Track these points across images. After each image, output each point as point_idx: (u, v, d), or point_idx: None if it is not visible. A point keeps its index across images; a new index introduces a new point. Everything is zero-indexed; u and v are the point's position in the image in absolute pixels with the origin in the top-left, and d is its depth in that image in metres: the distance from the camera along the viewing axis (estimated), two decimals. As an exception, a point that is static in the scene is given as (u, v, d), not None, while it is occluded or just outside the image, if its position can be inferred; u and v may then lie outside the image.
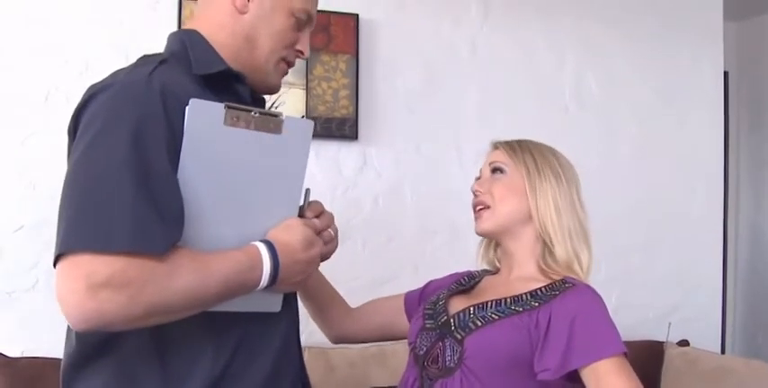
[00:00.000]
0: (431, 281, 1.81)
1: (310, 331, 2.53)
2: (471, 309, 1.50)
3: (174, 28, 2.60)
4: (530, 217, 1.56)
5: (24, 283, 2.44)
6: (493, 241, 1.70)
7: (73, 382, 1.26)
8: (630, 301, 3.24)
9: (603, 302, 1.48)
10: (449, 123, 3.03)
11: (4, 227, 2.45)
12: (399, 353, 2.57)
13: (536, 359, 1.41)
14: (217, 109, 1.17)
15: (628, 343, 3.15)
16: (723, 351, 3.78)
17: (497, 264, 1.70)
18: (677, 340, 3.11)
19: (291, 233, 1.27)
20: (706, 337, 3.36)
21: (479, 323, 1.46)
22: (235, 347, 1.26)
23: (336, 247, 1.47)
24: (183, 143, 1.15)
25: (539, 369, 1.40)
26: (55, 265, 1.07)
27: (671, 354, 3.00)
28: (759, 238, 4.13)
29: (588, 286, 1.50)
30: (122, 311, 1.05)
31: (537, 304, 1.46)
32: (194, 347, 1.23)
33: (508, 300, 1.50)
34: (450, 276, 1.78)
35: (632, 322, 3.23)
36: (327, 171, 2.84)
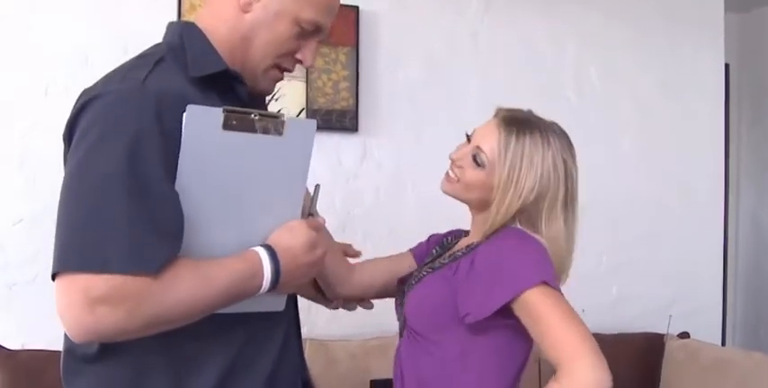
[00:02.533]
0: (432, 235, 1.79)
1: (311, 324, 2.53)
2: (415, 272, 1.55)
3: (174, 19, 2.59)
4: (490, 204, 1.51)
5: (25, 276, 2.44)
6: None
7: (77, 376, 1.26)
8: (631, 293, 3.24)
9: (529, 239, 1.44)
10: (449, 114, 3.02)
11: (4, 221, 2.45)
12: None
13: (459, 305, 1.40)
14: (215, 113, 1.14)
15: (628, 335, 3.15)
16: (724, 344, 3.79)
17: None
18: (678, 333, 3.10)
19: (294, 236, 1.25)
20: (707, 329, 3.36)
21: (413, 282, 1.52)
22: (240, 345, 1.26)
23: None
24: (181, 150, 1.13)
25: (462, 314, 1.39)
26: (53, 279, 1.07)
27: (671, 346, 3.00)
28: (760, 231, 4.12)
29: (515, 228, 1.47)
30: (120, 325, 1.05)
31: (461, 253, 1.48)
32: (201, 345, 1.23)
33: (444, 256, 1.53)
34: (448, 232, 1.78)
35: (633, 315, 3.23)
36: (328, 163, 2.83)
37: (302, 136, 1.26)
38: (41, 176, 2.45)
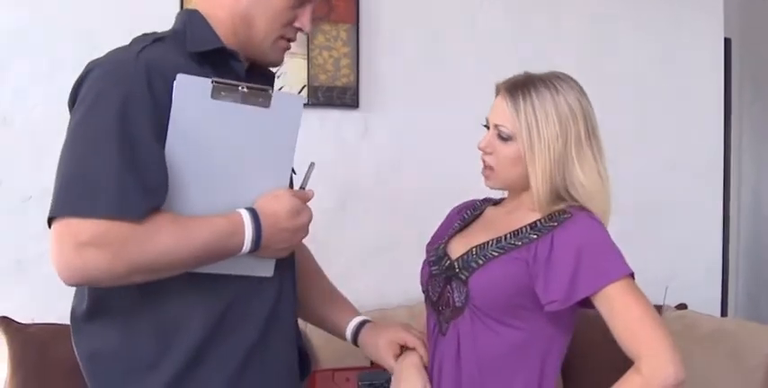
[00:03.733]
0: (452, 212, 1.80)
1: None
2: (474, 250, 1.54)
3: (177, 3, 2.64)
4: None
5: (34, 252, 2.49)
6: None
7: (78, 334, 1.36)
8: (631, 265, 3.27)
9: (603, 226, 1.50)
10: (449, 91, 3.04)
11: (13, 197, 2.50)
12: (401, 317, 2.59)
13: (540, 291, 1.43)
14: (204, 83, 1.23)
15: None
16: (725, 315, 3.81)
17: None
18: (675, 304, 3.14)
19: (278, 203, 1.32)
20: (707, 302, 3.40)
21: (481, 262, 1.50)
22: (224, 308, 1.33)
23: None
24: (170, 116, 1.22)
25: (545, 301, 1.43)
26: (49, 226, 1.18)
27: (668, 317, 3.03)
28: (761, 204, 4.14)
29: (587, 214, 1.50)
30: (105, 268, 1.15)
31: (535, 236, 1.49)
32: (184, 305, 1.30)
33: (508, 235, 1.52)
34: (448, 218, 1.79)
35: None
36: (329, 139, 2.86)
37: (289, 110, 1.33)
38: (50, 153, 2.48)
